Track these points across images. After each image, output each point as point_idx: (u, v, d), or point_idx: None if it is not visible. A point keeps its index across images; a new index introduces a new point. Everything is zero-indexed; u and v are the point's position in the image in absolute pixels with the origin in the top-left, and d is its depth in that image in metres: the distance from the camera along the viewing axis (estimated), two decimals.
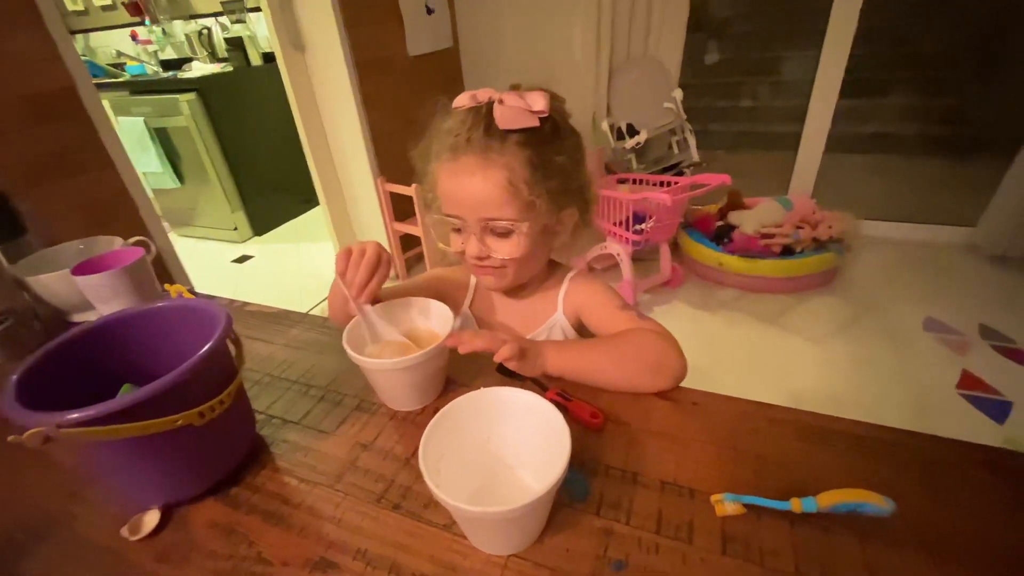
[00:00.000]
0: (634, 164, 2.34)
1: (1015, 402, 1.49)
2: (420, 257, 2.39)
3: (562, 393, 0.55)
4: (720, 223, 2.28)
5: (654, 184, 2.14)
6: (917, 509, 0.41)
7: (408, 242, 2.35)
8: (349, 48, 1.98)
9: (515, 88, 0.60)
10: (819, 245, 2.07)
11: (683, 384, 0.58)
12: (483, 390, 0.46)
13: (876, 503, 0.40)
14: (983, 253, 2.17)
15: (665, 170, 2.36)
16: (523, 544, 0.41)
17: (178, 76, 2.73)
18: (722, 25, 3.90)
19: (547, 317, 0.72)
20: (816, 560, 0.39)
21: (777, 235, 2.11)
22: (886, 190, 2.88)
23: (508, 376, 0.59)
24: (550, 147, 0.60)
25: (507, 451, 0.46)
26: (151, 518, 0.47)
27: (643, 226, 2.02)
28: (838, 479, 0.42)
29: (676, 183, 2.10)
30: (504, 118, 0.57)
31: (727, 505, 0.42)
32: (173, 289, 0.72)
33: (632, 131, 2.31)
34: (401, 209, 2.24)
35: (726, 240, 2.20)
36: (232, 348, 0.52)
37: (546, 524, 0.42)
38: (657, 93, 2.37)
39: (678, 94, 2.33)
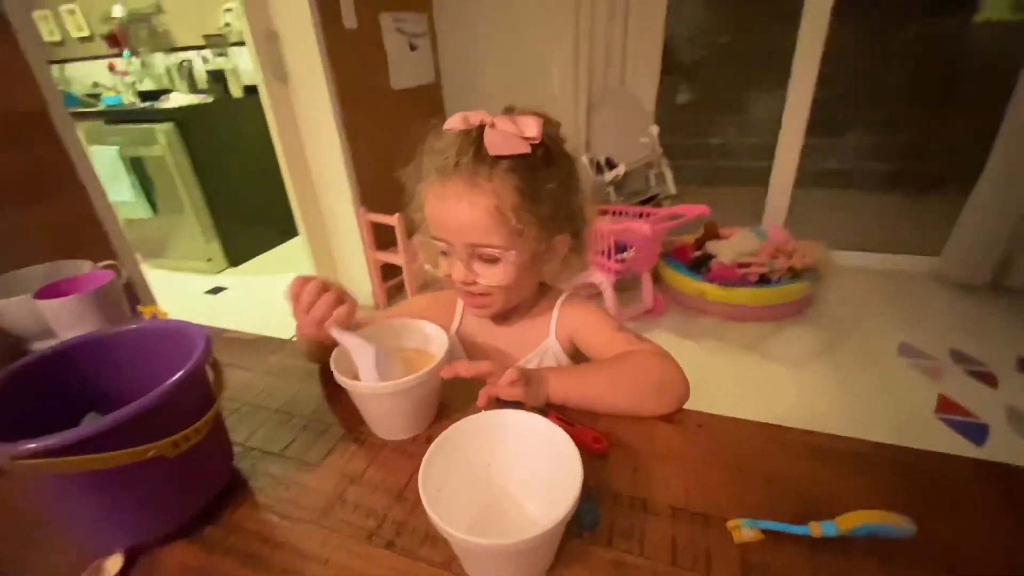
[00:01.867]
0: (612, 196, 2.39)
1: (991, 425, 1.52)
2: (401, 287, 2.36)
3: (563, 418, 0.53)
4: (698, 253, 2.33)
5: (633, 215, 2.18)
6: (935, 529, 0.40)
7: (389, 271, 2.32)
8: (333, 80, 1.99)
9: (509, 111, 0.59)
10: (794, 274, 2.13)
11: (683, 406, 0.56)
12: (484, 413, 0.43)
13: (897, 525, 0.38)
14: (948, 281, 2.25)
15: (643, 202, 2.42)
16: None
17: (155, 107, 2.70)
18: (692, 67, 4.12)
19: (539, 342, 0.70)
20: None
21: (753, 264, 2.16)
22: (850, 222, 3.01)
23: (498, 401, 0.57)
24: (541, 174, 0.59)
25: (509, 479, 0.44)
26: (113, 564, 0.42)
27: (624, 255, 2.04)
28: (851, 500, 0.41)
29: (655, 214, 2.15)
30: (494, 143, 0.55)
31: (745, 531, 0.40)
32: (147, 311, 0.67)
33: (611, 164, 2.36)
34: (382, 239, 2.22)
35: (704, 269, 2.24)
36: (210, 373, 0.48)
37: (553, 558, 0.39)
38: (634, 128, 2.45)
39: (654, 129, 2.41)
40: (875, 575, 0.37)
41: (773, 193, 2.54)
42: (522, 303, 0.70)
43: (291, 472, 0.51)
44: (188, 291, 2.77)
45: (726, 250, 2.23)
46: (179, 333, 0.48)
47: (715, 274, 2.18)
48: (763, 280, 2.12)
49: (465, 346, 0.74)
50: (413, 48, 2.42)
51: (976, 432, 1.50)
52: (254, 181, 2.90)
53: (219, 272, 2.93)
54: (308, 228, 2.30)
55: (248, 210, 2.95)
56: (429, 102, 2.59)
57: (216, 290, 2.77)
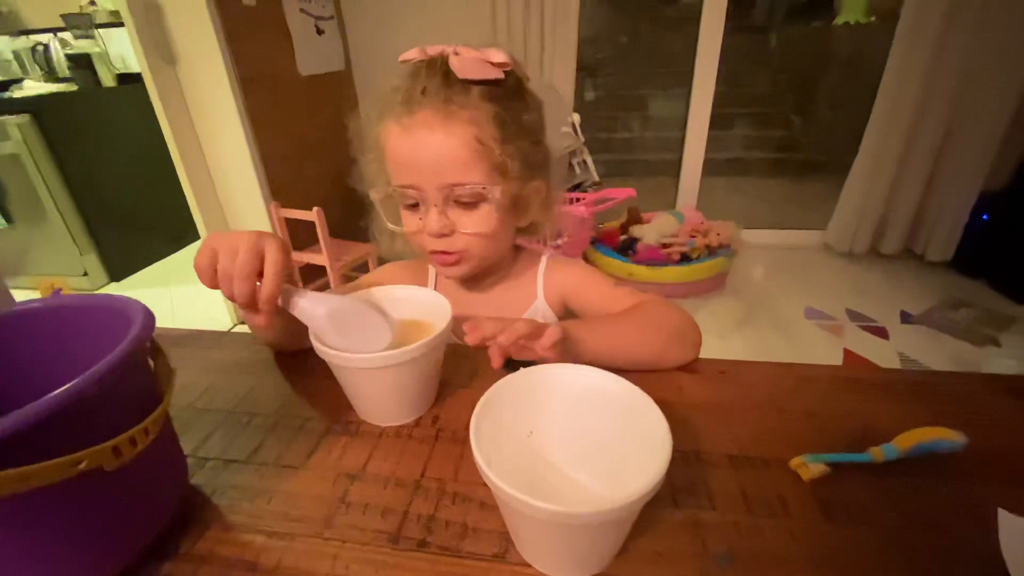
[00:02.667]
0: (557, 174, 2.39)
1: None
2: (325, 288, 2.17)
3: None
4: (624, 237, 2.41)
5: (565, 201, 2.19)
6: (979, 440, 0.40)
7: (311, 273, 2.12)
8: (232, 62, 1.77)
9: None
10: (711, 251, 2.27)
11: None
12: (524, 371, 0.37)
13: (951, 439, 0.38)
14: (835, 251, 2.53)
15: (570, 190, 2.45)
16: (606, 559, 0.32)
17: (5, 96, 2.24)
18: (597, 66, 4.30)
19: (527, 305, 0.64)
20: (917, 509, 0.35)
21: (675, 244, 2.27)
22: (748, 204, 3.32)
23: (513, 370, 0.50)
24: (518, 103, 0.53)
25: (554, 447, 0.37)
26: None
27: (559, 241, 2.05)
28: (892, 425, 0.40)
29: (585, 199, 2.18)
30: (464, 67, 0.49)
31: (811, 467, 0.37)
32: (43, 286, 0.51)
33: None
34: (299, 238, 2.02)
35: (631, 252, 2.31)
36: (152, 363, 0.37)
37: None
38: (555, 118, 2.47)
39: (575, 118, 2.44)
40: (941, 491, 0.37)
41: (685, 180, 2.70)
42: (498, 266, 0.63)
43: (267, 480, 0.40)
44: None
45: (650, 232, 2.32)
46: (102, 309, 0.36)
47: (641, 255, 2.26)
48: (685, 258, 2.23)
49: None
50: (320, 32, 2.24)
51: None
52: (137, 181, 2.52)
53: (99, 288, 2.50)
54: (210, 231, 2.03)
55: (131, 215, 2.56)
56: (340, 90, 2.42)
57: None
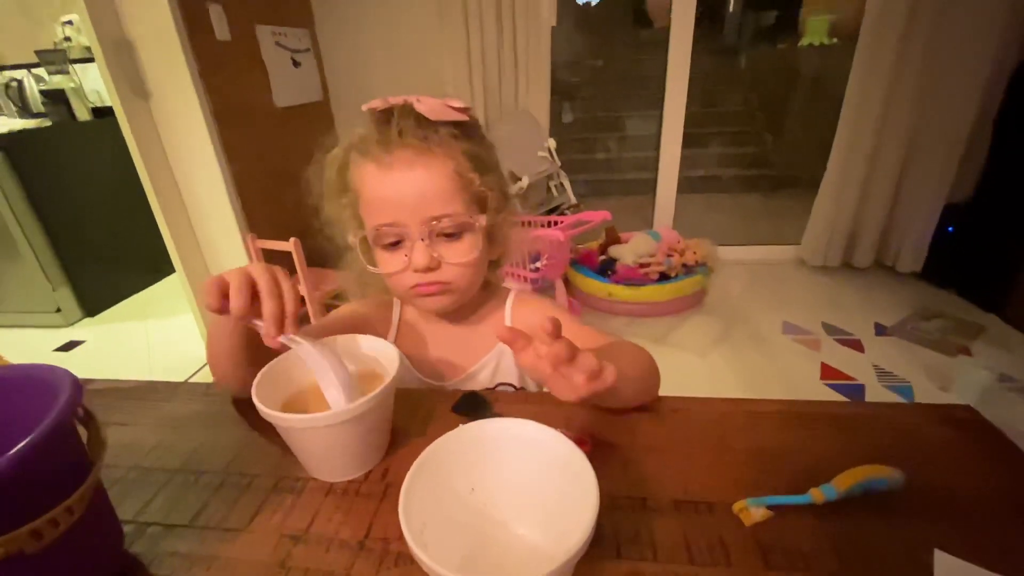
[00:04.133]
0: (519, 208, 2.41)
1: (865, 384, 1.74)
2: (305, 319, 2.15)
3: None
4: (603, 257, 2.43)
5: (541, 225, 2.21)
6: (922, 477, 0.40)
7: None
8: (205, 96, 1.78)
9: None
10: (688, 269, 2.30)
11: None
12: (462, 427, 0.37)
13: (888, 477, 0.39)
14: (808, 266, 2.58)
15: (548, 212, 2.48)
16: None
17: None
18: (573, 89, 4.40)
19: (492, 345, 0.65)
20: (855, 551, 0.36)
21: (652, 263, 2.30)
22: (723, 221, 3.39)
23: (467, 415, 0.50)
24: (483, 142, 0.56)
25: (497, 503, 0.37)
26: None
27: (538, 264, 2.06)
28: (838, 461, 0.41)
29: (562, 222, 2.20)
30: (432, 111, 0.51)
31: (753, 512, 0.38)
32: None
33: (515, 178, 2.39)
34: None
35: (610, 272, 2.33)
36: (82, 431, 0.36)
37: None
38: (532, 143, 2.51)
39: (551, 143, 2.48)
40: (880, 531, 0.37)
41: (660, 199, 2.75)
42: (467, 303, 0.64)
43: (209, 546, 0.39)
44: (32, 349, 2.28)
45: (627, 252, 2.35)
46: (30, 380, 0.35)
47: (620, 275, 2.29)
48: (663, 277, 2.26)
49: (407, 356, 0.66)
50: (296, 64, 2.26)
51: (855, 391, 1.71)
52: (112, 215, 2.49)
53: (72, 324, 2.45)
54: (185, 263, 2.01)
55: (106, 249, 2.52)
56: (318, 120, 2.43)
57: (70, 345, 2.31)
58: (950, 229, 2.19)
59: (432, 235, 0.54)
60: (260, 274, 0.42)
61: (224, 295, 0.41)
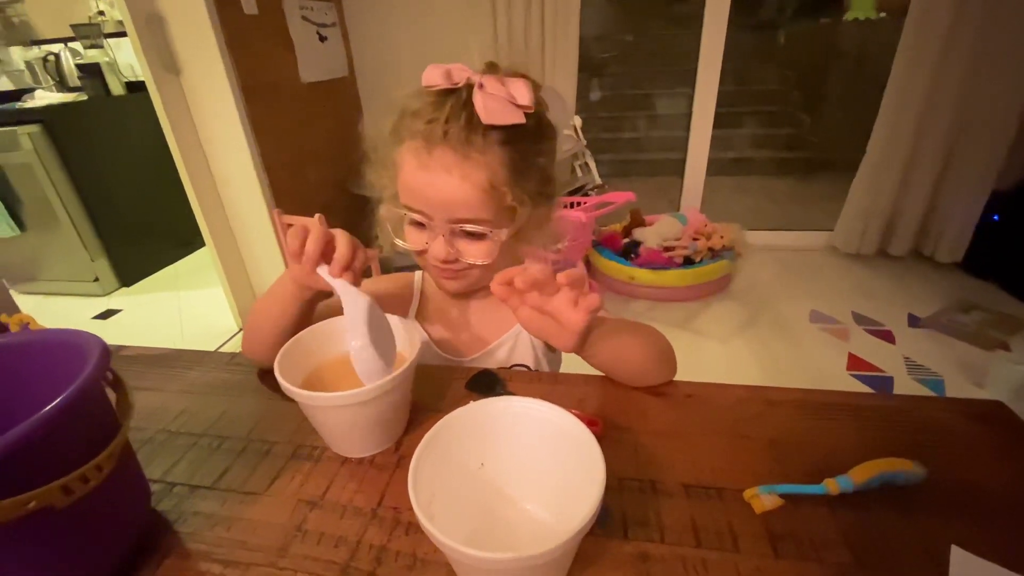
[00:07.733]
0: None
1: (895, 376, 1.69)
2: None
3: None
4: (626, 240, 2.39)
5: (565, 205, 2.18)
6: (943, 471, 0.39)
7: None
8: (233, 71, 1.80)
9: (492, 69, 0.53)
10: (714, 254, 2.25)
11: None
12: (473, 404, 0.37)
13: (909, 470, 0.38)
14: (842, 253, 2.49)
15: (572, 192, 2.44)
16: None
17: (17, 107, 2.29)
18: (602, 65, 4.27)
19: (512, 324, 0.65)
20: (869, 544, 0.35)
21: (677, 247, 2.25)
22: (753, 205, 3.28)
23: (480, 393, 0.51)
24: (533, 148, 0.54)
25: (506, 479, 0.38)
26: None
27: (560, 245, 2.04)
28: (856, 453, 0.40)
29: (585, 203, 2.17)
30: (489, 111, 0.49)
31: (764, 499, 0.37)
32: (13, 321, 0.53)
33: None
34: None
35: (633, 255, 2.30)
36: (111, 394, 0.38)
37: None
38: (557, 121, 2.46)
39: (577, 121, 2.43)
40: (896, 525, 0.36)
41: (689, 181, 2.67)
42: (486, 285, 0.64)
43: (230, 507, 0.41)
44: (71, 317, 2.39)
45: (652, 235, 2.31)
46: (62, 345, 0.37)
47: (644, 259, 2.25)
48: (687, 261, 2.21)
49: (427, 332, 0.67)
50: (323, 39, 2.25)
51: (884, 384, 1.66)
52: (146, 188, 2.56)
53: (109, 293, 2.56)
54: (215, 237, 2.07)
55: (141, 221, 2.61)
56: (343, 96, 2.44)
57: (107, 314, 2.42)
58: (995, 217, 2.08)
59: (453, 233, 0.54)
60: (341, 232, 0.50)
61: (303, 242, 0.47)
